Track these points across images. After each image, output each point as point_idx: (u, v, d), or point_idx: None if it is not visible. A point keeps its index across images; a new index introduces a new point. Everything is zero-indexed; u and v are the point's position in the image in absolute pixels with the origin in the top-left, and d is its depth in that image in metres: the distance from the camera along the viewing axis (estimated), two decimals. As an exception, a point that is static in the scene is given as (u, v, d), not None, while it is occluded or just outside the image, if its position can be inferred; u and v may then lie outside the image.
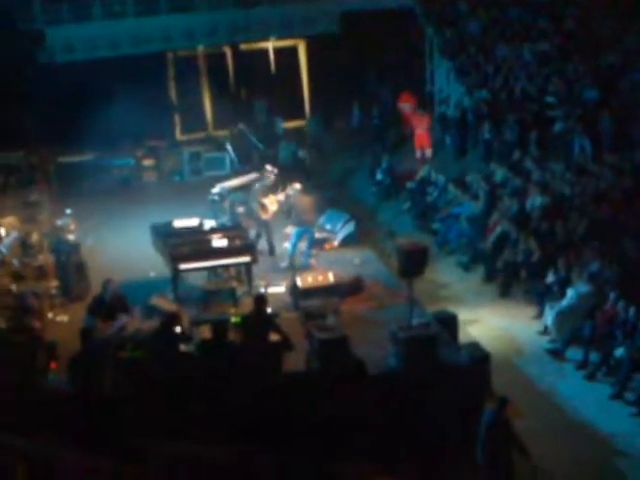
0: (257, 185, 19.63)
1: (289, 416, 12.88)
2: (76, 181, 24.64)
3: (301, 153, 26.96)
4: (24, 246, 18.92)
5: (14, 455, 8.62)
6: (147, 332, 14.22)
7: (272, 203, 19.39)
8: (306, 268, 18.11)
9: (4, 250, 17.98)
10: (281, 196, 19.48)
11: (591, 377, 15.03)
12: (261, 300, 14.05)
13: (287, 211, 19.08)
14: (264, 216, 19.24)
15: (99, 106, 23.42)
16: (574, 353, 15.69)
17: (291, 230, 19.56)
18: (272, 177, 19.79)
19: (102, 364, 13.11)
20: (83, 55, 27.72)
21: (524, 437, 12.62)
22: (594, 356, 15.29)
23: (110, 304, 15.03)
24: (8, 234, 19.13)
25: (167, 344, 13.45)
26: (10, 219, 20.45)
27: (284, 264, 18.50)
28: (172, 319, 13.84)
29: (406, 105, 28.62)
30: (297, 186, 19.14)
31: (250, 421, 12.60)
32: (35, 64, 26.26)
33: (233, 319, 14.57)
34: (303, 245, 18.78)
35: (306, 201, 18.88)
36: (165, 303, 16.56)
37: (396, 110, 29.36)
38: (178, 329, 14.02)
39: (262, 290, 17.13)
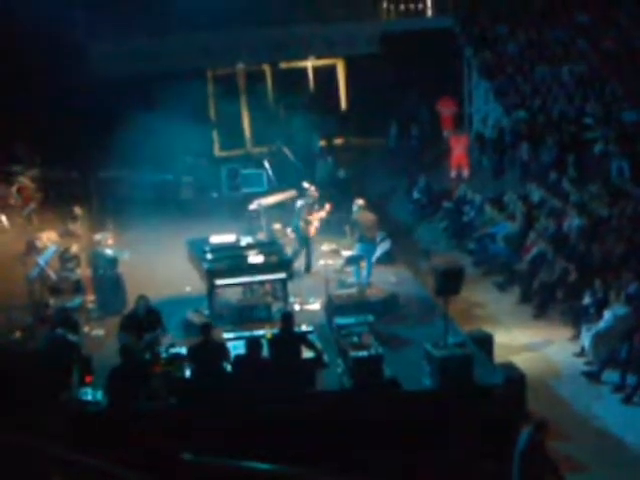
0: (299, 203, 19.63)
1: (320, 433, 12.88)
2: (115, 196, 24.81)
3: (342, 172, 27.03)
4: (62, 260, 19.08)
5: (50, 464, 8.71)
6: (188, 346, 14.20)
7: (314, 220, 19.47)
8: (366, 285, 18.11)
9: (42, 264, 18.12)
10: (322, 213, 19.54)
11: (628, 400, 14.87)
12: (288, 318, 14.05)
13: (350, 229, 19.01)
14: (310, 234, 19.31)
15: (138, 121, 23.58)
16: (611, 376, 15.54)
17: (327, 248, 19.62)
18: (314, 195, 19.80)
19: (139, 379, 13.18)
20: (124, 71, 27.93)
21: (558, 460, 12.53)
22: (631, 379, 15.15)
23: (143, 319, 15.07)
24: (47, 248, 19.29)
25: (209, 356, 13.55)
26: (49, 233, 20.66)
27: (351, 282, 18.47)
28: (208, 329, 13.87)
29: (445, 109, 28.91)
30: (360, 202, 18.97)
31: (280, 438, 12.61)
32: (76, 79, 26.46)
33: (267, 336, 14.59)
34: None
35: (369, 217, 18.78)
36: (200, 319, 16.63)
37: (434, 130, 29.51)
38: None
39: (297, 307, 17.17)
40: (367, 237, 18.39)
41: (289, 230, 19.85)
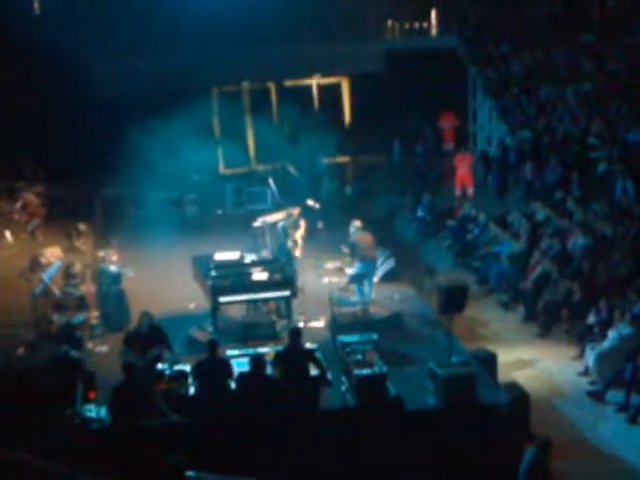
0: (282, 224, 19.69)
1: (324, 452, 12.85)
2: (119, 213, 24.85)
3: (348, 189, 27.04)
4: (66, 276, 19.08)
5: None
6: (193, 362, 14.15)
7: (300, 239, 19.57)
8: (368, 303, 18.14)
9: (47, 280, 18.13)
10: (301, 231, 19.60)
11: (632, 420, 14.81)
12: (296, 333, 14.03)
13: (350, 250, 18.98)
14: (298, 253, 19.30)
15: (143, 138, 23.61)
16: (615, 395, 15.50)
17: (331, 266, 19.59)
18: (295, 213, 19.87)
19: (142, 396, 13.15)
20: (129, 88, 27.94)
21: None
22: (635, 399, 15.11)
23: (147, 336, 15.04)
24: (51, 264, 19.30)
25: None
26: (53, 249, 20.66)
27: (355, 300, 18.43)
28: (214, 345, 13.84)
29: (447, 123, 29.19)
30: (357, 223, 19.05)
31: (283, 455, 12.58)
32: (81, 96, 26.52)
33: (271, 353, 14.57)
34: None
35: (367, 238, 18.83)
36: (204, 336, 16.61)
37: (439, 147, 29.58)
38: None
39: (301, 324, 17.15)
40: (368, 257, 18.43)
41: (266, 252, 19.55)
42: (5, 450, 9.31)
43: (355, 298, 18.34)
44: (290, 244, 19.25)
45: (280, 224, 19.63)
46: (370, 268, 18.50)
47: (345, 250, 19.22)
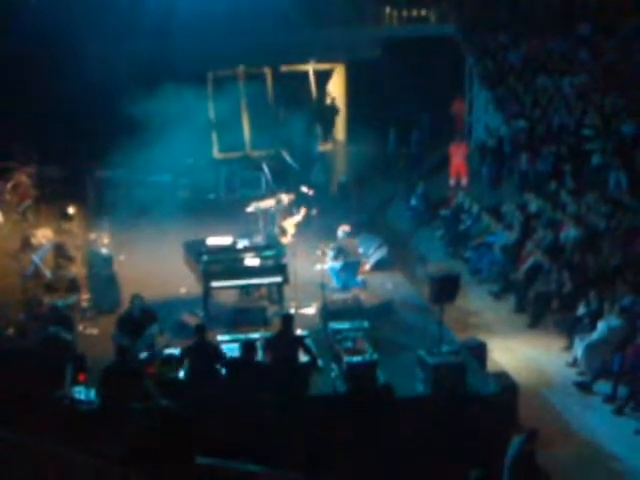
0: (273, 209, 19.72)
1: (314, 439, 12.88)
2: (111, 195, 24.78)
3: (342, 177, 26.99)
4: (57, 258, 19.06)
5: (45, 458, 8.87)
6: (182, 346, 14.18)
7: (290, 226, 19.54)
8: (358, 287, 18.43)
9: (37, 261, 18.11)
10: (297, 218, 19.60)
11: (619, 411, 14.87)
12: (288, 319, 14.07)
13: (335, 254, 19.03)
14: (284, 240, 19.31)
15: (137, 122, 23.52)
16: (603, 386, 15.56)
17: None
18: (286, 200, 19.90)
19: (133, 379, 13.15)
20: (123, 72, 27.78)
21: (549, 469, 12.53)
22: (622, 390, 15.16)
23: (139, 319, 15.05)
24: (42, 245, 19.28)
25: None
26: (44, 231, 20.59)
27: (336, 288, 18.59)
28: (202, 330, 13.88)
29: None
30: (346, 228, 19.19)
31: (274, 443, 12.59)
32: (75, 79, 26.41)
33: (262, 338, 14.60)
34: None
35: (353, 243, 19.00)
36: (195, 321, 16.62)
37: (434, 137, 29.51)
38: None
39: (292, 311, 17.16)
40: (352, 260, 18.71)
41: (260, 237, 19.56)
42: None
43: (333, 285, 18.55)
44: (276, 230, 19.30)
45: (272, 210, 19.69)
46: (352, 269, 18.79)
47: (324, 249, 19.42)
